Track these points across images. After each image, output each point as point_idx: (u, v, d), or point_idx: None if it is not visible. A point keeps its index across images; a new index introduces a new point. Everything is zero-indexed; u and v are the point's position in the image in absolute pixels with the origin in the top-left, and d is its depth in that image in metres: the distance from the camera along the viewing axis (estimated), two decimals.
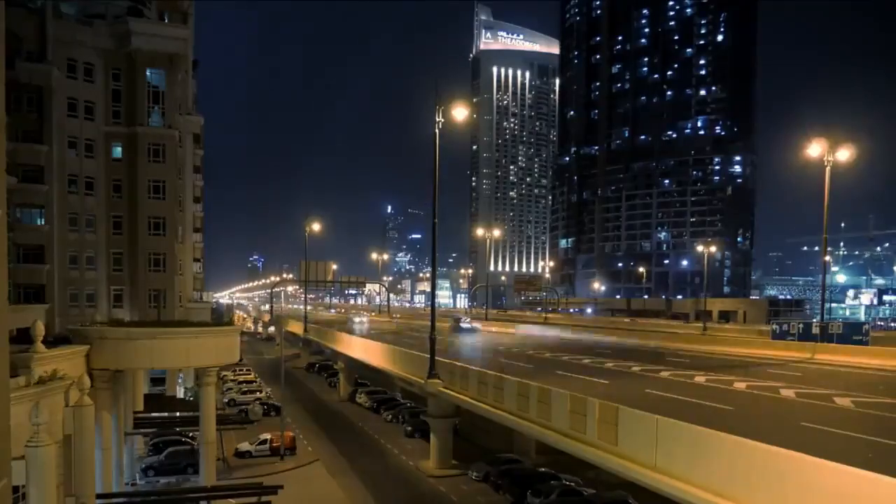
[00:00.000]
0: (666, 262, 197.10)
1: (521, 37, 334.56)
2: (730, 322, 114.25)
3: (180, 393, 56.38)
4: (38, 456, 17.91)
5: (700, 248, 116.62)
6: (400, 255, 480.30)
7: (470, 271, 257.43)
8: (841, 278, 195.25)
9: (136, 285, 49.97)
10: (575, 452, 23.27)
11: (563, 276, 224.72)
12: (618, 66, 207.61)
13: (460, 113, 36.28)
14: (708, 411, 24.41)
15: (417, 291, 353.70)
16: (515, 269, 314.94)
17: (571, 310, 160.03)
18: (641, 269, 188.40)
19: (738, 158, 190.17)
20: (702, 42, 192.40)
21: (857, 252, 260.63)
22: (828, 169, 43.97)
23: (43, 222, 46.27)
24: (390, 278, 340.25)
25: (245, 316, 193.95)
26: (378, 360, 51.19)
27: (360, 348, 58.18)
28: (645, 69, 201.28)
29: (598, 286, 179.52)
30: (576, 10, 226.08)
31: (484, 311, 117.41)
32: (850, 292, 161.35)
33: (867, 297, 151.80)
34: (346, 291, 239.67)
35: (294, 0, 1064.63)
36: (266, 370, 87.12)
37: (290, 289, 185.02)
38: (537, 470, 37.71)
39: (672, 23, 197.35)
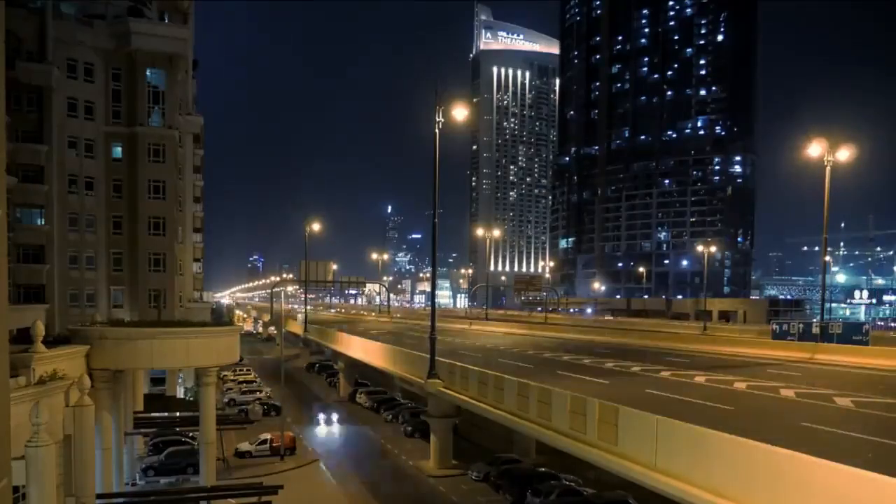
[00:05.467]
0: (666, 262, 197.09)
1: (521, 37, 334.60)
2: (730, 322, 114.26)
3: (180, 393, 56.37)
4: (38, 456, 17.90)
5: (700, 248, 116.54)
6: (400, 255, 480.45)
7: (470, 271, 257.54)
8: (841, 278, 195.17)
9: (136, 285, 49.98)
10: (575, 452, 23.26)
11: (563, 276, 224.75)
12: (618, 66, 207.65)
13: (460, 113, 36.26)
14: (708, 411, 24.40)
15: (417, 291, 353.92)
16: (515, 269, 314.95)
17: (571, 310, 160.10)
18: (641, 269, 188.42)
19: (738, 158, 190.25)
20: (702, 42, 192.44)
21: (857, 252, 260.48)
22: (828, 169, 43.93)
23: (43, 222, 46.28)
24: (390, 278, 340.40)
25: (245, 316, 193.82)
26: (378, 361, 51.18)
27: (360, 348, 58.17)
28: (645, 69, 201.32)
29: (598, 286, 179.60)
30: (576, 10, 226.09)
31: (484, 310, 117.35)
32: (856, 293, 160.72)
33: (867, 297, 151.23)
34: (347, 291, 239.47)
35: (294, 0, 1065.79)
36: (266, 370, 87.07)
37: (290, 289, 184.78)
38: (537, 470, 37.70)
39: (672, 23, 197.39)
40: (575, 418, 23.15)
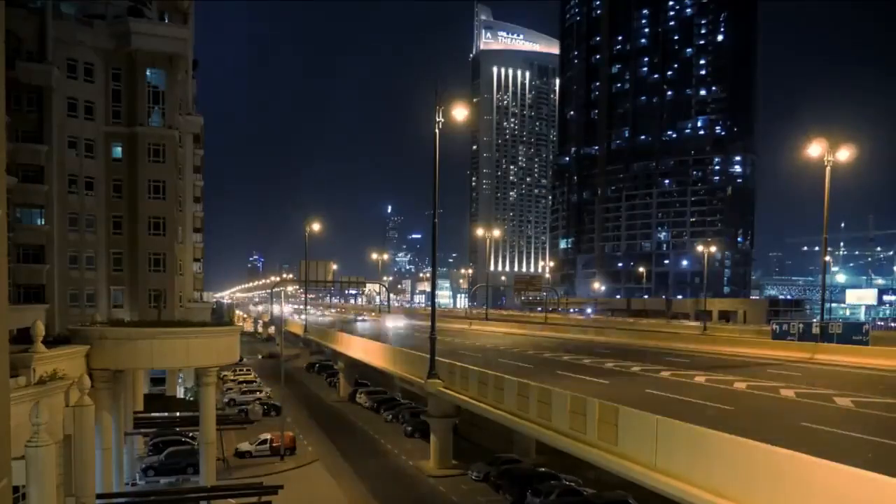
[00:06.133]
0: (666, 262, 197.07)
1: (521, 37, 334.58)
2: (730, 322, 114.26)
3: (180, 393, 56.37)
4: (38, 456, 17.90)
5: (700, 248, 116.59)
6: (400, 255, 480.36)
7: (470, 271, 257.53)
8: (841, 278, 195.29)
9: (136, 285, 49.97)
10: (575, 452, 23.27)
11: (563, 276, 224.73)
12: (618, 66, 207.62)
13: (460, 113, 36.28)
14: (708, 411, 24.42)
15: (417, 291, 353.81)
16: (515, 269, 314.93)
17: (571, 310, 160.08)
18: (641, 269, 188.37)
19: (738, 158, 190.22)
20: (702, 42, 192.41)
21: (857, 252, 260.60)
22: (828, 169, 43.95)
23: (43, 222, 46.26)
24: (390, 278, 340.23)
25: (245, 316, 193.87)
26: (378, 360, 51.19)
27: (360, 348, 58.19)
28: (645, 69, 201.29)
29: (598, 286, 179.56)
30: (576, 10, 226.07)
31: (484, 310, 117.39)
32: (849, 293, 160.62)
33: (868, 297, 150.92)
34: (347, 291, 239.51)
35: (294, 0, 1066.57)
36: (266, 370, 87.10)
37: (289, 289, 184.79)
38: (537, 470, 37.70)
39: (672, 23, 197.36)
40: (575, 418, 23.15)
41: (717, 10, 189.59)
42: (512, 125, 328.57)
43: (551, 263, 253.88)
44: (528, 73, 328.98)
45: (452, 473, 40.71)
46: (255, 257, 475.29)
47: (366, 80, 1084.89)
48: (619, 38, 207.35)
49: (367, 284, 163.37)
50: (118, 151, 49.98)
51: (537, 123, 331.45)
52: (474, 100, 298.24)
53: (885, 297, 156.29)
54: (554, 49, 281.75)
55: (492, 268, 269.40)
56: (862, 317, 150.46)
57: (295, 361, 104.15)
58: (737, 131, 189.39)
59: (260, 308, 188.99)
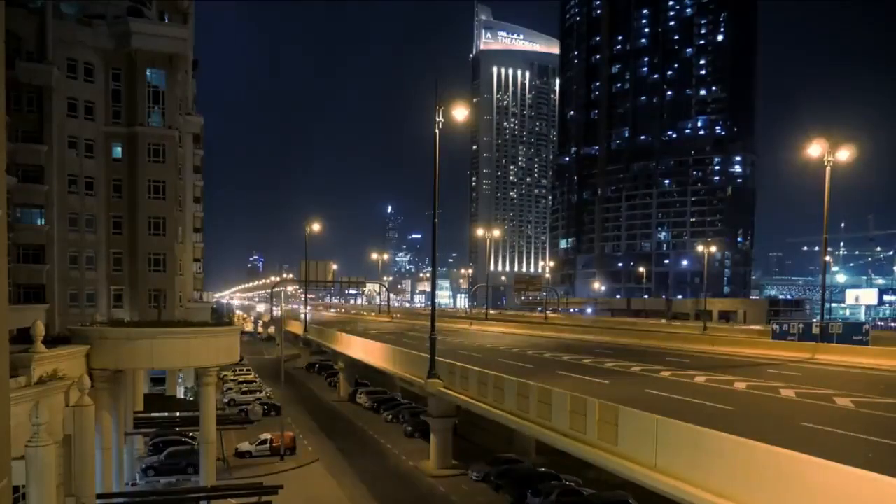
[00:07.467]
0: (666, 262, 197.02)
1: (521, 37, 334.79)
2: (730, 322, 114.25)
3: (180, 393, 56.37)
4: (38, 456, 17.91)
5: (700, 248, 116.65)
6: (400, 255, 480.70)
7: (470, 271, 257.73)
8: (841, 278, 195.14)
9: (136, 285, 49.98)
10: (575, 452, 23.25)
11: (563, 276, 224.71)
12: (618, 66, 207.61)
13: (460, 113, 36.28)
14: (708, 411, 24.40)
15: (417, 291, 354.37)
16: (515, 269, 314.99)
17: (571, 310, 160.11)
18: (641, 269, 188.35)
19: (738, 158, 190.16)
20: (702, 42, 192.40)
21: (857, 252, 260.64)
22: (828, 169, 43.94)
23: (43, 222, 46.27)
24: (390, 278, 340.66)
25: (245, 316, 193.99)
26: (378, 361, 51.17)
27: (361, 348, 58.16)
28: (645, 69, 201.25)
29: (598, 286, 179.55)
30: (576, 10, 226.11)
31: (484, 310, 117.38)
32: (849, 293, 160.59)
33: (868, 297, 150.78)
34: (347, 291, 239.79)
35: (294, 0, 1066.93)
36: (266, 370, 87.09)
37: (290, 289, 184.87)
38: (537, 470, 37.70)
39: (672, 23, 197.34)
40: (575, 418, 23.14)
41: (717, 10, 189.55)
42: (512, 125, 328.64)
43: (551, 263, 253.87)
44: (528, 73, 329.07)
45: (452, 473, 40.73)
46: (255, 257, 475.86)
47: (366, 79, 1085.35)
48: (619, 38, 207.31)
49: (367, 284, 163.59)
50: (118, 151, 50.00)
51: (537, 123, 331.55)
52: (474, 100, 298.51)
53: (886, 297, 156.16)
54: (554, 49, 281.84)
55: (492, 268, 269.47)
56: (862, 317, 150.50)
57: (295, 361, 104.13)
58: (737, 131, 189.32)
59: (261, 308, 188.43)
